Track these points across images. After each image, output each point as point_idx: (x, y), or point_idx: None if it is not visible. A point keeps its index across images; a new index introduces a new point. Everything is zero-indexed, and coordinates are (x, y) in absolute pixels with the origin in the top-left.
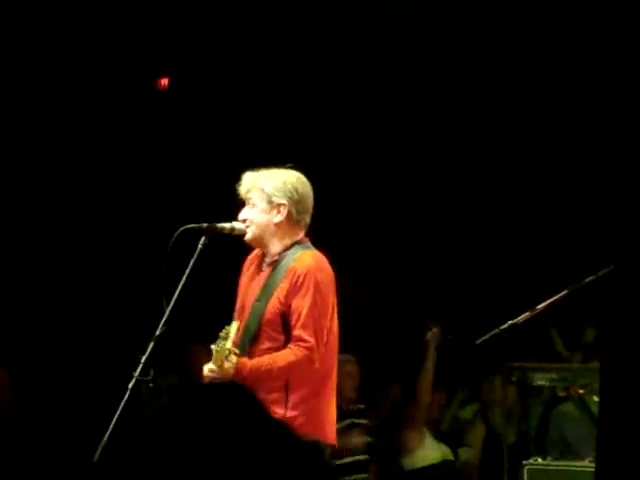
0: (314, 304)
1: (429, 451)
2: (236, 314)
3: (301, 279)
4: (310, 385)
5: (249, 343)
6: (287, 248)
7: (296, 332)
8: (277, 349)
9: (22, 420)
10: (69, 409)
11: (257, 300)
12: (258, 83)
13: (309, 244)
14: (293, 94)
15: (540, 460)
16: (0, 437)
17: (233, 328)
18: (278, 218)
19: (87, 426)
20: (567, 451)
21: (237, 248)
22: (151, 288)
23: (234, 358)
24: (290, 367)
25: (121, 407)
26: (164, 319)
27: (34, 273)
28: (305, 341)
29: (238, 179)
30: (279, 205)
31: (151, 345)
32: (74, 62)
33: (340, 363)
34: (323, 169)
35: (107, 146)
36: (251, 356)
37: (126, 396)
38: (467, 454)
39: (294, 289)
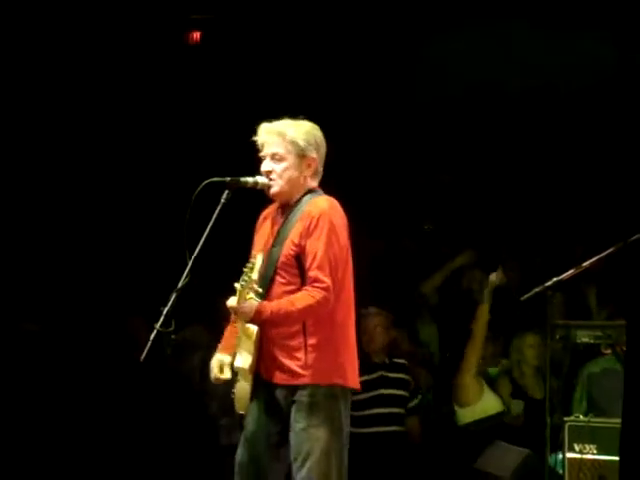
0: (329, 245)
1: (488, 402)
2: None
3: (315, 221)
4: (327, 330)
5: (265, 287)
6: (302, 195)
7: (312, 273)
8: (293, 292)
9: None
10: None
11: (272, 246)
12: (288, 38)
13: (321, 191)
14: (322, 45)
15: (581, 417)
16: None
17: (258, 260)
18: (308, 172)
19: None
20: (594, 409)
21: (262, 201)
22: (175, 240)
23: (254, 298)
24: (309, 309)
25: (144, 356)
26: (187, 271)
27: (65, 231)
28: (321, 282)
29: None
30: (310, 159)
31: (173, 296)
32: (105, 18)
33: (368, 315)
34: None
35: (138, 99)
36: (268, 300)
37: (147, 347)
38: (518, 407)
39: (308, 231)
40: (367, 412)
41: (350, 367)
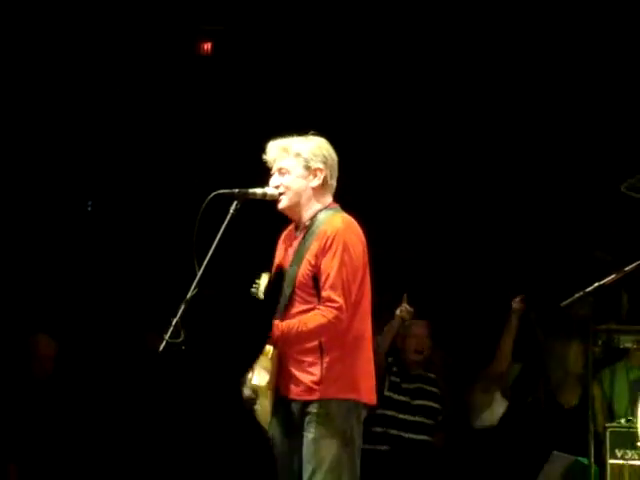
0: (342, 264)
1: (497, 409)
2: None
3: (330, 241)
4: (343, 347)
5: (284, 307)
6: (317, 212)
7: (325, 293)
8: (310, 311)
9: (62, 389)
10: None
11: (291, 265)
12: (300, 50)
13: (338, 207)
14: (334, 59)
15: (623, 422)
16: (39, 404)
17: (263, 280)
18: (315, 182)
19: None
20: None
21: (271, 213)
22: (184, 252)
23: None
24: (320, 329)
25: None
26: (195, 282)
27: (76, 243)
28: (333, 301)
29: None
30: (316, 170)
31: (182, 307)
32: (115, 26)
33: (419, 325)
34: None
35: (148, 109)
36: (286, 318)
37: (157, 358)
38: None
39: (323, 251)
40: (409, 417)
41: (365, 382)
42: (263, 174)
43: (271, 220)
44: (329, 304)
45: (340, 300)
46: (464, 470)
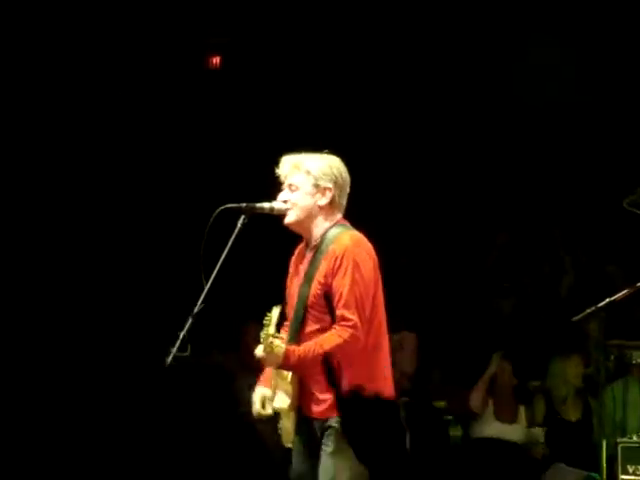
0: (354, 282)
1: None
2: (287, 305)
3: (339, 260)
4: (359, 363)
5: (297, 327)
6: (326, 231)
7: (339, 312)
8: (324, 330)
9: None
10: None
11: (302, 285)
12: (307, 62)
13: (347, 224)
14: (342, 69)
15: (635, 438)
16: None
17: (274, 313)
18: (323, 201)
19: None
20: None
21: (278, 227)
22: (192, 266)
23: (280, 345)
24: (337, 348)
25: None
26: (202, 297)
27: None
28: (348, 320)
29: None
30: (325, 189)
31: (189, 321)
32: (125, 39)
33: (408, 338)
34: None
35: (157, 123)
36: (300, 338)
37: (163, 371)
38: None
39: (333, 270)
40: None
41: (385, 380)
42: (271, 188)
43: (279, 235)
44: (344, 323)
45: (354, 318)
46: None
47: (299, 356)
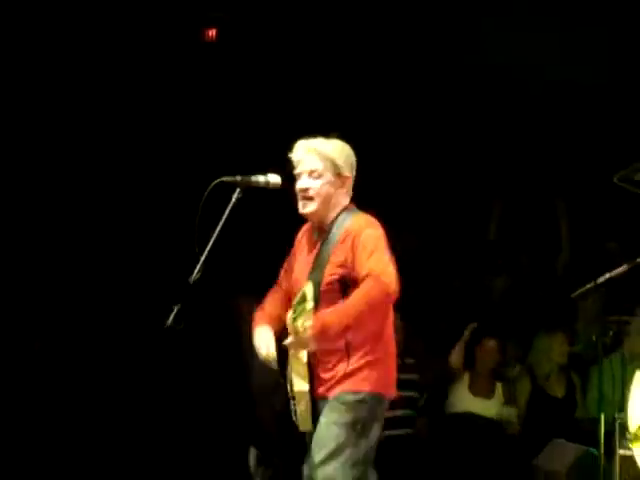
0: (374, 249)
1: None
2: (292, 286)
3: (358, 238)
4: (368, 345)
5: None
6: (337, 216)
7: (363, 272)
8: None
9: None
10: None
11: (313, 272)
12: (304, 37)
13: (355, 208)
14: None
15: None
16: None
17: (309, 289)
18: (342, 190)
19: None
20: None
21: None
22: (187, 240)
23: (307, 322)
24: (368, 296)
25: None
26: (197, 270)
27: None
28: (372, 271)
29: (282, 134)
30: (346, 178)
31: (183, 294)
32: (119, 13)
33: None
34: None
35: (153, 96)
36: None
37: (156, 342)
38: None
39: (353, 249)
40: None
41: (386, 378)
42: (266, 161)
43: (274, 208)
44: (370, 276)
45: (380, 267)
46: (451, 461)
47: (323, 322)
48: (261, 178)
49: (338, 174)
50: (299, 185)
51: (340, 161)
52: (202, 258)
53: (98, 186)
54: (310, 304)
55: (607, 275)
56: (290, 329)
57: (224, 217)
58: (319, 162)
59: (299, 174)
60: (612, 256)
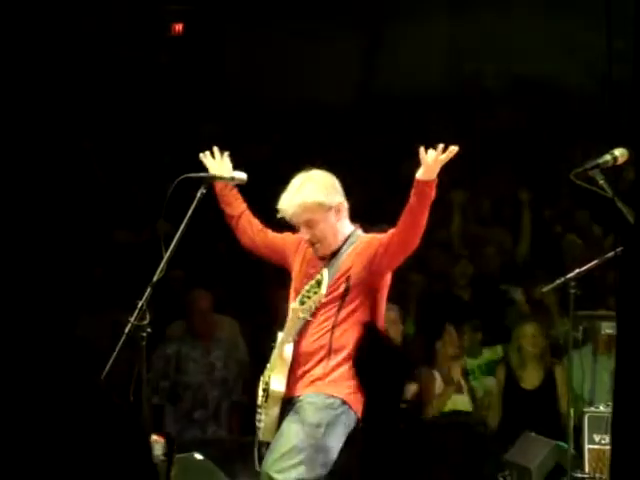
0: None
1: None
2: (293, 294)
3: (372, 240)
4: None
5: (300, 330)
6: (346, 239)
7: (386, 236)
8: (325, 332)
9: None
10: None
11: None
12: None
13: (359, 230)
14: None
15: (602, 408)
16: None
17: (325, 274)
18: (339, 216)
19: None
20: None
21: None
22: (152, 235)
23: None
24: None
25: (117, 350)
26: (161, 266)
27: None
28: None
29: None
30: (338, 204)
31: (148, 291)
32: (87, 6)
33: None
34: None
35: (119, 90)
36: (301, 340)
37: (122, 341)
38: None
39: (371, 248)
40: None
41: (358, 395)
42: (232, 156)
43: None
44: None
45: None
46: (428, 453)
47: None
48: (226, 174)
49: (329, 208)
50: (303, 236)
51: (326, 198)
52: (166, 256)
53: (63, 179)
54: (324, 289)
55: (577, 270)
56: (293, 313)
57: (189, 214)
58: (309, 213)
59: (297, 226)
60: (570, 249)
